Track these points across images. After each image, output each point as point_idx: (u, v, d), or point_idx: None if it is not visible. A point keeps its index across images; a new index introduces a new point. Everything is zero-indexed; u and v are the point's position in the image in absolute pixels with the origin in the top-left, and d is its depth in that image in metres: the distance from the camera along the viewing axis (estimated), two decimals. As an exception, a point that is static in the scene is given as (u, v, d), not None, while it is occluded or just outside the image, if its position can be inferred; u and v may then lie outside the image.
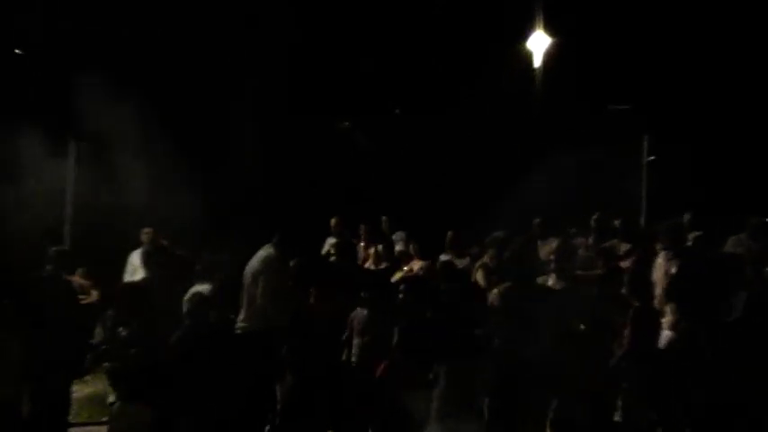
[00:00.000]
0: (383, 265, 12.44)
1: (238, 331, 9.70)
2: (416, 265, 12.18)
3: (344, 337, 9.50)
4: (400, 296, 9.17)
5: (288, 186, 16.63)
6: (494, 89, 17.26)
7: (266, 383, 9.20)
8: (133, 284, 11.02)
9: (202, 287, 9.63)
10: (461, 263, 12.18)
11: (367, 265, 12.90)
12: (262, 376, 8.94)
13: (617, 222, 12.53)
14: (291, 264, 9.96)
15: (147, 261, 12.44)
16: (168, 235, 12.78)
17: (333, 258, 11.80)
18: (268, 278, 9.80)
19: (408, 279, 10.02)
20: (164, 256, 12.43)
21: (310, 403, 8.76)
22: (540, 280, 9.89)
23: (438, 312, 8.86)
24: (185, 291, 9.46)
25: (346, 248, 11.52)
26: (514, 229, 12.20)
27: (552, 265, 10.18)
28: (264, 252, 10.03)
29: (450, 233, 12.77)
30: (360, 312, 9.55)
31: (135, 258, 12.74)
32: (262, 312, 9.72)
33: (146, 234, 12.72)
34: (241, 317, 9.93)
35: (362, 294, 9.61)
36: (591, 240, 12.57)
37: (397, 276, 11.66)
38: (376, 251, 12.78)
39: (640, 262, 11.00)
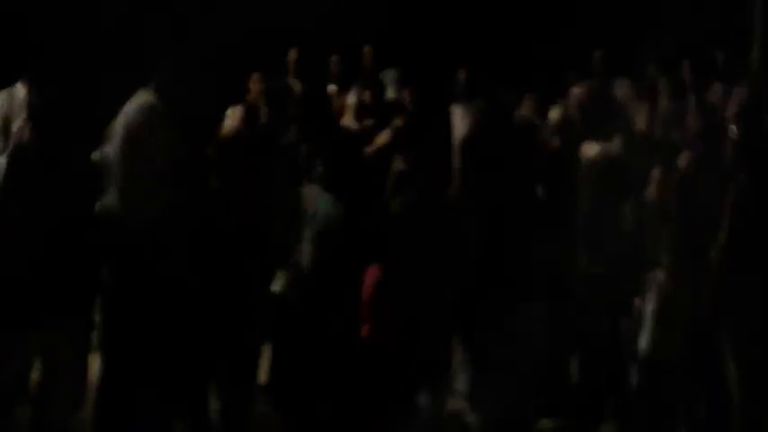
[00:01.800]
0: (368, 122, 10.48)
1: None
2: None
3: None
4: None
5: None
6: None
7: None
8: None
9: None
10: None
11: (344, 121, 10.89)
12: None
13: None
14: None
15: None
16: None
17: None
18: (143, 138, 7.44)
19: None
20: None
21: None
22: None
23: None
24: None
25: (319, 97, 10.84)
26: (558, 69, 10.86)
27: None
28: (137, 101, 7.55)
29: (461, 72, 11.46)
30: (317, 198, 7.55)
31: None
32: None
33: None
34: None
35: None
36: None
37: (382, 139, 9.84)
38: (360, 99, 10.96)
39: (751, 113, 8.71)
